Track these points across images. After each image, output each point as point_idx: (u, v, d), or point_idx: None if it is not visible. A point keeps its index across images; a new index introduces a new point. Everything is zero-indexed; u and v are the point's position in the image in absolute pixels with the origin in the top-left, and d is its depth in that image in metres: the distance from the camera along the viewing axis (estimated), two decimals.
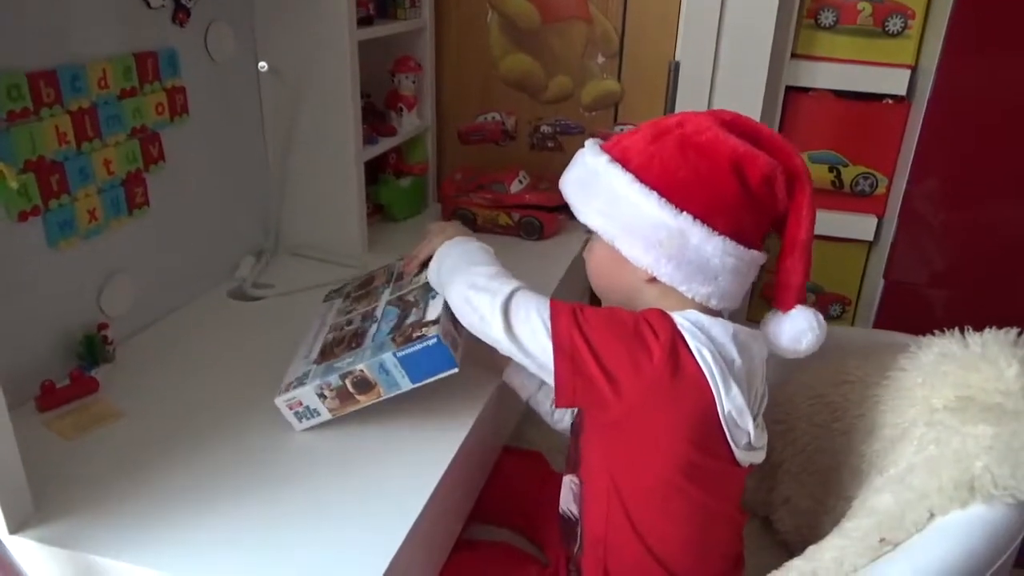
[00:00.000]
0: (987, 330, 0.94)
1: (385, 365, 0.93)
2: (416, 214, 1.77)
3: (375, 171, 1.70)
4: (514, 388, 1.12)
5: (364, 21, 1.45)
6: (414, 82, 1.68)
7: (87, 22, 1.05)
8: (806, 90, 1.64)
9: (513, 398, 1.13)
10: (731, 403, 0.83)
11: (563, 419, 1.09)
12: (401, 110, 1.66)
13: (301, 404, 0.97)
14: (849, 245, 1.71)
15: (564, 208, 1.60)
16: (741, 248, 0.87)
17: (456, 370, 0.93)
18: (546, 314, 0.85)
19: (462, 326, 0.94)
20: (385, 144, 1.61)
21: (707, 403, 0.83)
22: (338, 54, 1.37)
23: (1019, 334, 0.92)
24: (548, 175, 1.70)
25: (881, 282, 1.67)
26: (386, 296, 1.09)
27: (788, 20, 1.56)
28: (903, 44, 1.55)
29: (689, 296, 0.88)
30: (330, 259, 1.49)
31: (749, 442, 0.87)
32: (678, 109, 1.64)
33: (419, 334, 0.92)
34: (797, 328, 0.91)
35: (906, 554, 0.77)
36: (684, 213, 0.85)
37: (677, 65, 1.62)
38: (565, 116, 1.77)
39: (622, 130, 1.71)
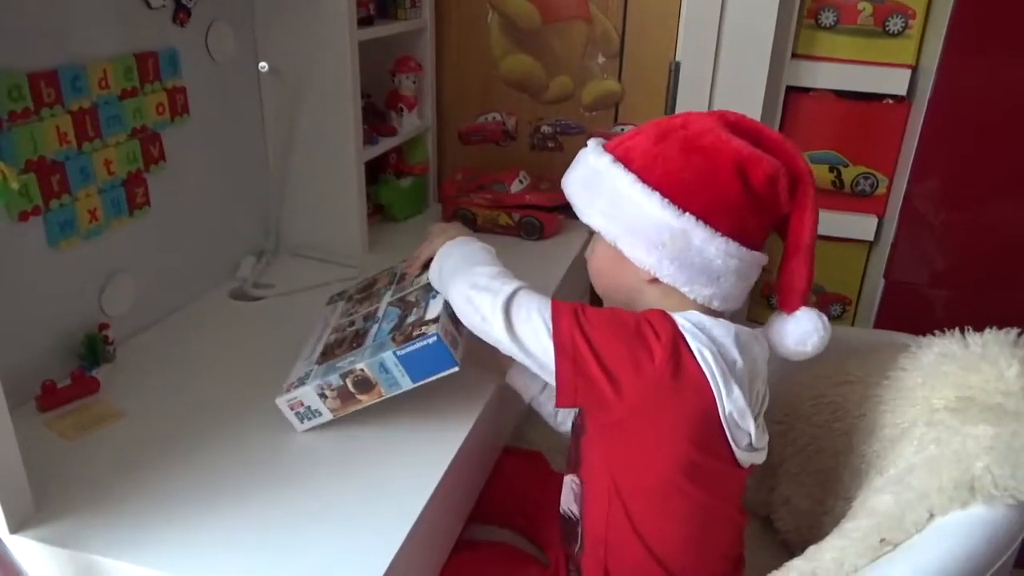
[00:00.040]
0: (987, 330, 0.94)
1: (385, 364, 0.93)
2: (417, 214, 1.77)
3: (375, 171, 1.70)
4: (517, 390, 1.12)
5: (364, 21, 1.45)
6: (414, 82, 1.68)
7: (88, 22, 1.05)
8: (807, 90, 1.64)
9: (513, 398, 1.13)
10: (732, 404, 0.83)
11: (566, 421, 1.09)
12: (401, 110, 1.67)
13: (302, 404, 0.97)
14: (850, 245, 1.71)
15: (564, 208, 1.61)
16: (744, 249, 0.87)
17: (457, 369, 0.93)
18: (547, 314, 0.85)
19: (463, 325, 0.94)
20: (385, 144, 1.61)
21: (708, 404, 0.83)
22: (338, 54, 1.37)
23: (1019, 334, 0.92)
24: (548, 175, 1.70)
25: (881, 282, 1.67)
26: (388, 297, 1.09)
27: (788, 20, 1.56)
28: (903, 44, 1.55)
29: (691, 297, 0.88)
30: (330, 259, 1.49)
31: (750, 443, 0.87)
32: (679, 109, 1.64)
33: (419, 332, 0.92)
34: (803, 330, 0.91)
35: (906, 554, 0.77)
36: (687, 214, 0.85)
37: (678, 65, 1.62)
38: (565, 116, 1.77)
39: (623, 130, 1.71)
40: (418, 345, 0.91)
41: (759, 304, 1.80)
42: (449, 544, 1.02)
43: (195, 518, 0.84)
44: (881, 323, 1.68)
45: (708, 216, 0.85)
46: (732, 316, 0.92)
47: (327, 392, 0.95)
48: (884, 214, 1.67)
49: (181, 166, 1.24)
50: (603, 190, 0.90)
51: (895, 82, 1.57)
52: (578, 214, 0.93)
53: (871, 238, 1.68)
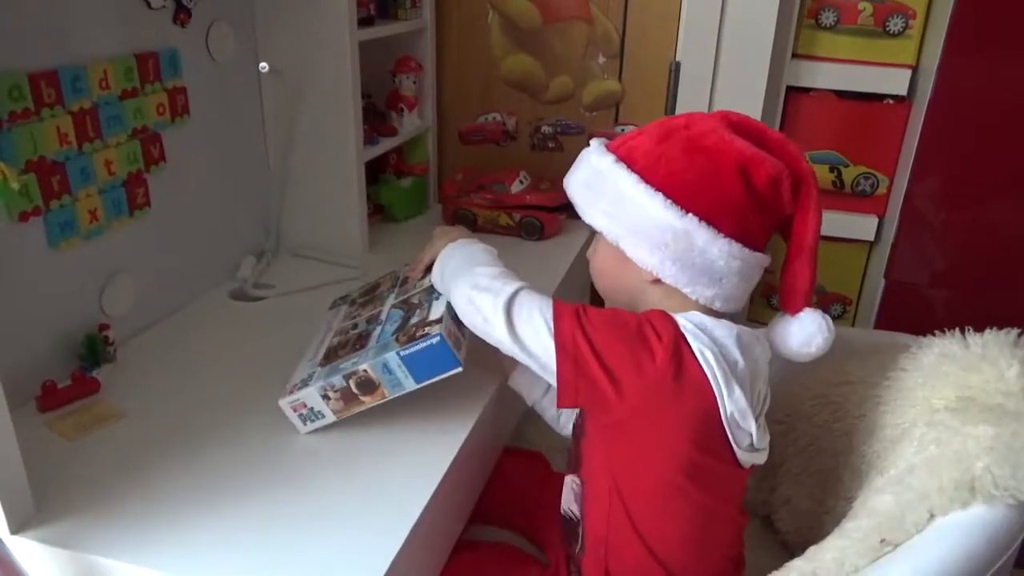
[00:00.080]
0: (988, 331, 0.94)
1: (389, 365, 0.93)
2: (417, 214, 1.77)
3: (376, 171, 1.70)
4: (520, 393, 1.12)
5: (365, 21, 1.45)
6: (415, 82, 1.68)
7: (88, 23, 1.05)
8: (807, 90, 1.64)
9: (513, 399, 1.13)
10: (733, 404, 0.83)
11: (568, 424, 1.09)
12: (402, 110, 1.67)
13: (305, 406, 0.97)
14: (850, 245, 1.71)
15: (565, 208, 1.62)
16: (746, 251, 0.87)
17: (460, 369, 0.93)
18: (549, 314, 0.85)
19: (465, 326, 0.94)
20: (386, 144, 1.61)
21: (709, 404, 0.83)
22: (339, 54, 1.37)
23: (1020, 335, 0.92)
24: (549, 175, 1.70)
25: (882, 282, 1.67)
26: (391, 300, 1.08)
27: (789, 20, 1.56)
28: (904, 44, 1.55)
29: (693, 298, 0.88)
30: (331, 259, 1.49)
31: (751, 443, 0.87)
32: (679, 109, 1.64)
33: (422, 333, 0.92)
34: (807, 331, 0.90)
35: (906, 555, 0.77)
36: (690, 215, 0.85)
37: (678, 65, 1.62)
38: (566, 116, 1.77)
39: (623, 130, 1.71)
40: (421, 345, 0.91)
41: (759, 304, 1.80)
42: (449, 544, 1.02)
43: (196, 518, 0.84)
44: (881, 323, 1.68)
45: (711, 217, 0.85)
46: (732, 316, 0.92)
47: (330, 393, 0.95)
48: (884, 214, 1.67)
49: (181, 166, 1.24)
50: (606, 190, 0.89)
51: (895, 82, 1.57)
52: (580, 214, 0.93)
53: (871, 238, 1.68)
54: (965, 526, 0.76)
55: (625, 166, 0.88)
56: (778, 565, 0.84)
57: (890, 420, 0.97)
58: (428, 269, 1.06)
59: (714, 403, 0.83)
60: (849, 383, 1.08)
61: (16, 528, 0.81)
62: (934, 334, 1.00)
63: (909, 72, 1.56)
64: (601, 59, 1.70)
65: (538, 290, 0.90)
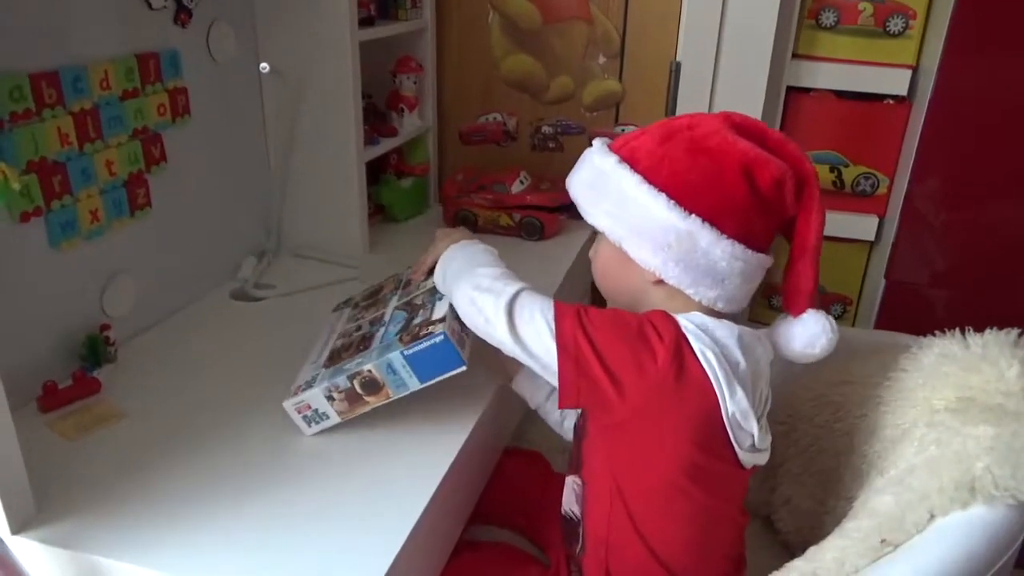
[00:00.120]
0: (988, 331, 0.94)
1: (393, 365, 0.93)
2: (417, 215, 1.78)
3: (376, 172, 1.70)
4: (523, 397, 1.12)
5: (365, 22, 1.46)
6: (415, 83, 1.68)
7: (89, 23, 1.05)
8: (807, 90, 1.64)
9: (514, 399, 1.13)
10: (735, 405, 0.83)
11: (572, 427, 1.08)
12: (402, 111, 1.67)
13: (310, 408, 0.97)
14: (850, 245, 1.71)
15: (565, 209, 1.62)
16: (749, 252, 0.86)
17: (464, 368, 0.93)
18: (550, 315, 0.85)
19: None
20: (386, 145, 1.61)
21: (711, 405, 0.83)
22: (339, 55, 1.38)
23: (1020, 335, 0.92)
24: (549, 175, 1.70)
25: (882, 282, 1.67)
26: (394, 302, 1.08)
27: (789, 20, 1.56)
28: (904, 44, 1.55)
29: (696, 299, 0.88)
30: (331, 260, 1.49)
31: (753, 444, 0.87)
32: (679, 110, 1.64)
33: (426, 332, 0.92)
34: (810, 332, 0.90)
35: (907, 555, 0.77)
36: (693, 216, 0.84)
37: (678, 65, 1.62)
38: (566, 116, 1.77)
39: (623, 131, 1.71)
40: (425, 344, 0.91)
41: (760, 305, 1.80)
42: (450, 545, 1.02)
43: (196, 518, 0.84)
44: (882, 323, 1.68)
45: (714, 218, 0.85)
46: (733, 317, 0.92)
47: (334, 394, 0.95)
48: (885, 214, 1.67)
49: (182, 167, 1.25)
50: (609, 191, 0.89)
51: (896, 82, 1.57)
52: (583, 215, 0.93)
53: (872, 238, 1.68)
54: (965, 526, 0.76)
55: (628, 167, 0.88)
56: (778, 565, 0.84)
57: (890, 420, 0.97)
58: (431, 271, 1.06)
59: (715, 404, 0.83)
60: (850, 383, 1.08)
61: (17, 528, 0.81)
62: (934, 334, 1.00)
63: (909, 72, 1.56)
64: (601, 59, 1.70)
65: (539, 291, 0.90)
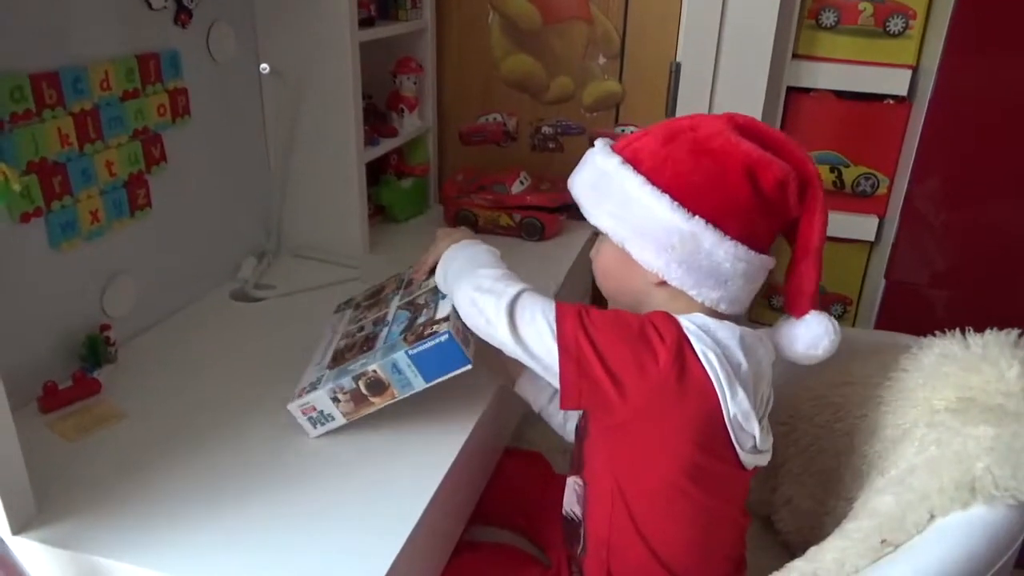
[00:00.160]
0: (988, 331, 0.94)
1: (398, 364, 0.93)
2: (417, 215, 1.78)
3: (376, 172, 1.70)
4: (526, 400, 1.12)
5: (365, 22, 1.46)
6: (415, 83, 1.68)
7: (89, 23, 1.05)
8: (807, 90, 1.64)
9: (514, 400, 1.13)
10: (736, 407, 0.83)
11: (575, 429, 1.09)
12: (402, 111, 1.67)
13: (315, 409, 0.96)
14: (850, 245, 1.71)
15: (565, 209, 1.62)
16: (752, 253, 0.86)
17: (470, 366, 0.92)
18: (551, 316, 0.85)
19: None
20: (386, 145, 1.61)
21: (712, 406, 0.83)
22: (339, 55, 1.38)
23: (1020, 335, 0.92)
24: (549, 176, 1.70)
25: (882, 282, 1.67)
26: (396, 302, 1.08)
27: (789, 20, 1.56)
28: (904, 44, 1.55)
29: (699, 300, 0.88)
30: (332, 260, 1.50)
31: (754, 445, 0.87)
32: (679, 110, 1.64)
33: (430, 331, 0.92)
34: (813, 334, 0.90)
35: (907, 555, 0.77)
36: (696, 217, 0.84)
37: (678, 66, 1.62)
38: (566, 117, 1.77)
39: (623, 131, 1.71)
40: (430, 344, 0.91)
41: (760, 305, 1.80)
42: (450, 545, 1.02)
43: (197, 519, 0.84)
44: (882, 323, 1.68)
45: (717, 219, 0.85)
46: (734, 318, 0.92)
47: (339, 396, 0.95)
48: (885, 214, 1.67)
49: (182, 167, 1.25)
50: (612, 192, 0.89)
51: (896, 82, 1.57)
52: (586, 215, 0.93)
53: (872, 238, 1.68)
54: (965, 527, 0.76)
55: (631, 168, 0.88)
56: (779, 565, 0.84)
57: (891, 420, 0.97)
58: (432, 271, 1.06)
59: (717, 405, 0.82)
60: (850, 383, 1.08)
61: (18, 529, 0.81)
62: (934, 334, 1.00)
63: (909, 72, 1.56)
64: (601, 60, 1.70)
65: (539, 291, 0.90)
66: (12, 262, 0.98)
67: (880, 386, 1.02)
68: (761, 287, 0.93)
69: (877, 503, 0.82)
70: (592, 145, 0.95)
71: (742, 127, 0.89)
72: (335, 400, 0.95)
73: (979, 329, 0.96)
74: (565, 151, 1.79)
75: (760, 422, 0.86)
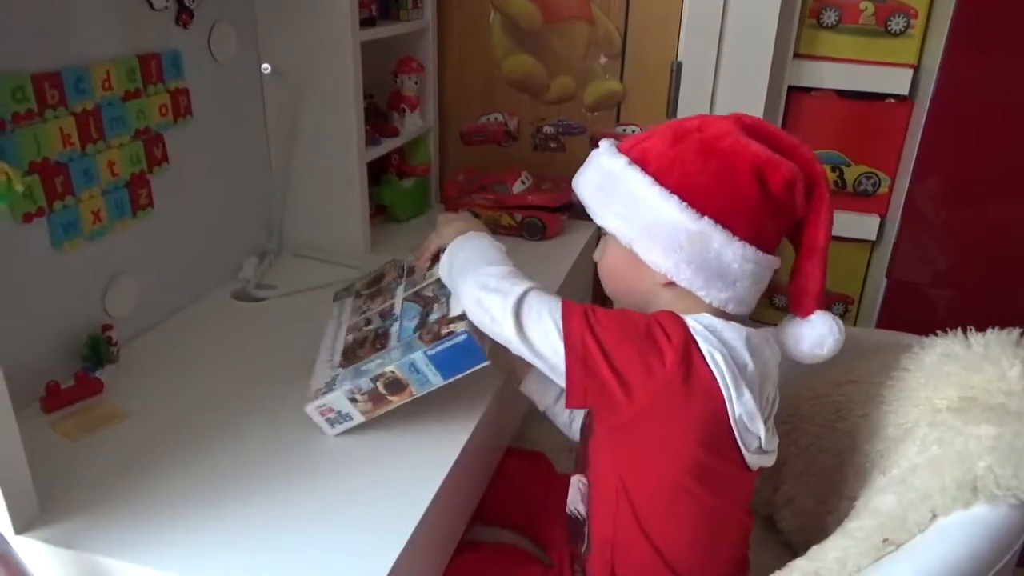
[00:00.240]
0: (990, 330, 0.94)
1: (416, 365, 0.93)
2: (419, 215, 1.78)
3: (378, 172, 1.70)
4: (532, 399, 1.11)
5: (366, 22, 1.46)
6: (416, 83, 1.68)
7: (91, 24, 1.05)
8: (809, 90, 1.64)
9: (516, 399, 1.13)
10: (742, 407, 0.83)
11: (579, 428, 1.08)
12: (404, 111, 1.67)
13: (332, 410, 0.96)
14: (852, 245, 1.71)
15: (567, 208, 1.62)
16: (760, 253, 0.86)
17: (488, 363, 0.93)
18: (558, 315, 0.84)
19: None
20: (388, 145, 1.61)
21: (718, 407, 0.82)
22: (341, 55, 1.38)
23: (1022, 334, 0.92)
24: (551, 175, 1.70)
25: (884, 281, 1.67)
26: (401, 292, 1.08)
27: (790, 20, 1.56)
28: (905, 43, 1.55)
29: (707, 301, 0.87)
30: (333, 260, 1.50)
31: (759, 446, 0.87)
32: (680, 110, 1.64)
33: (447, 331, 0.92)
34: (818, 333, 0.90)
35: (909, 554, 0.77)
36: (705, 217, 0.84)
37: (679, 65, 1.62)
38: (567, 116, 1.77)
39: (625, 131, 1.71)
40: (448, 344, 0.91)
41: (762, 304, 1.79)
42: (452, 545, 1.02)
43: (198, 518, 0.84)
44: (883, 323, 1.68)
45: (726, 220, 0.84)
46: (741, 318, 0.92)
47: (358, 396, 0.95)
48: (886, 213, 1.67)
49: (184, 167, 1.25)
50: (619, 192, 0.89)
51: (897, 82, 1.57)
52: (592, 216, 0.92)
53: (873, 237, 1.68)
54: (967, 526, 0.76)
55: (639, 168, 0.87)
56: (781, 565, 0.84)
57: (892, 420, 0.97)
58: (435, 258, 1.06)
59: (723, 405, 0.82)
60: (852, 383, 1.08)
61: (21, 528, 0.81)
62: (936, 334, 1.00)
63: (911, 71, 1.56)
64: (602, 59, 1.70)
65: (545, 289, 0.90)
66: (14, 262, 0.99)
67: (882, 385, 1.02)
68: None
69: (879, 502, 0.82)
70: (593, 145, 0.95)
71: (749, 127, 0.89)
72: (353, 401, 0.95)
73: (981, 328, 0.96)
74: (566, 151, 1.79)
75: (765, 423, 0.86)
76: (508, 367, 1.08)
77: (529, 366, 0.89)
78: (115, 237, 1.13)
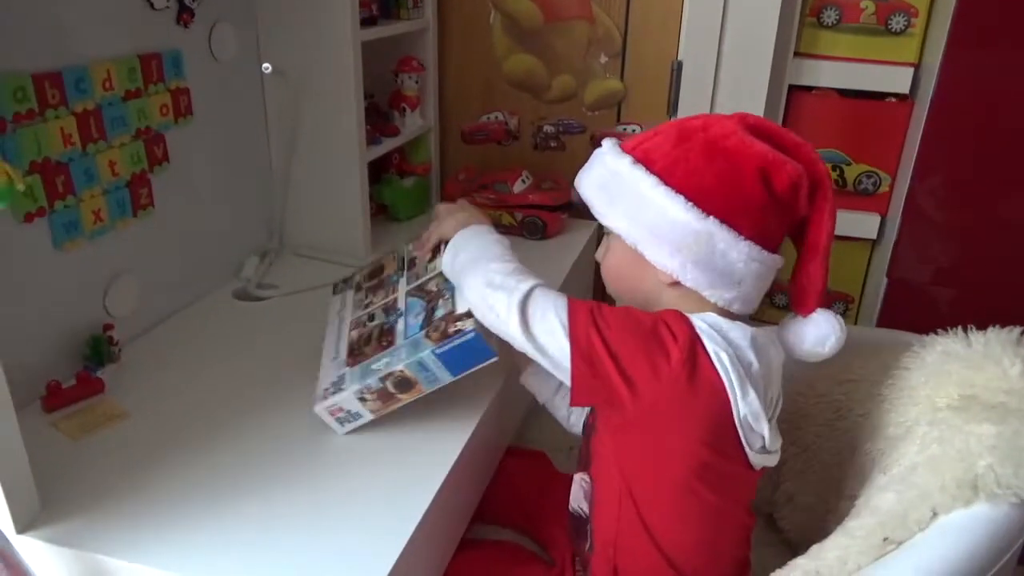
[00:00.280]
0: (990, 329, 0.94)
1: (425, 363, 0.93)
2: (419, 214, 1.77)
3: (378, 171, 1.71)
4: (532, 392, 1.11)
5: (367, 21, 1.46)
6: (417, 82, 1.68)
7: (91, 23, 1.05)
8: (809, 89, 1.64)
9: (517, 399, 1.13)
10: (747, 407, 0.83)
11: (578, 423, 1.08)
12: (404, 110, 1.67)
13: (342, 410, 0.96)
14: (852, 244, 1.71)
15: (567, 208, 1.62)
16: (764, 253, 0.86)
17: (496, 358, 0.93)
18: (564, 313, 0.84)
19: None
20: (388, 144, 1.61)
21: (723, 406, 0.82)
22: (341, 54, 1.38)
23: (1022, 333, 0.92)
24: (551, 175, 1.70)
25: (884, 280, 1.67)
26: (404, 286, 1.08)
27: (791, 19, 1.56)
28: (906, 42, 1.55)
29: (712, 300, 0.87)
30: (334, 259, 1.50)
31: (763, 445, 0.87)
32: (681, 109, 1.64)
33: (455, 329, 0.92)
34: (821, 332, 0.90)
35: (909, 553, 0.77)
36: (710, 217, 0.84)
37: (680, 64, 1.62)
38: (568, 116, 1.77)
39: (625, 130, 1.71)
40: (457, 342, 0.91)
41: (762, 302, 1.80)
42: (453, 544, 1.02)
43: (200, 518, 0.84)
44: (884, 321, 1.68)
45: (731, 219, 0.84)
46: (745, 318, 0.92)
47: (367, 396, 0.95)
48: (887, 212, 1.67)
49: (185, 167, 1.25)
50: (623, 192, 0.88)
51: (898, 80, 1.57)
52: (597, 216, 0.92)
53: (874, 236, 1.68)
54: (968, 525, 0.76)
55: (644, 168, 0.87)
56: (781, 563, 0.84)
57: (893, 418, 0.97)
58: (435, 249, 1.05)
59: (727, 405, 0.82)
60: (852, 381, 1.08)
61: (22, 528, 0.81)
62: (937, 332, 1.00)
63: (911, 70, 1.56)
64: (603, 58, 1.70)
65: (550, 286, 0.89)
66: (15, 262, 0.99)
67: (882, 384, 1.02)
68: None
69: (879, 501, 0.82)
70: (594, 144, 0.95)
71: (753, 127, 0.89)
72: (362, 400, 0.96)
73: (981, 327, 0.95)
74: (567, 150, 1.79)
75: (769, 423, 0.86)
76: (508, 358, 1.08)
77: (529, 359, 0.89)
78: (116, 237, 1.13)
